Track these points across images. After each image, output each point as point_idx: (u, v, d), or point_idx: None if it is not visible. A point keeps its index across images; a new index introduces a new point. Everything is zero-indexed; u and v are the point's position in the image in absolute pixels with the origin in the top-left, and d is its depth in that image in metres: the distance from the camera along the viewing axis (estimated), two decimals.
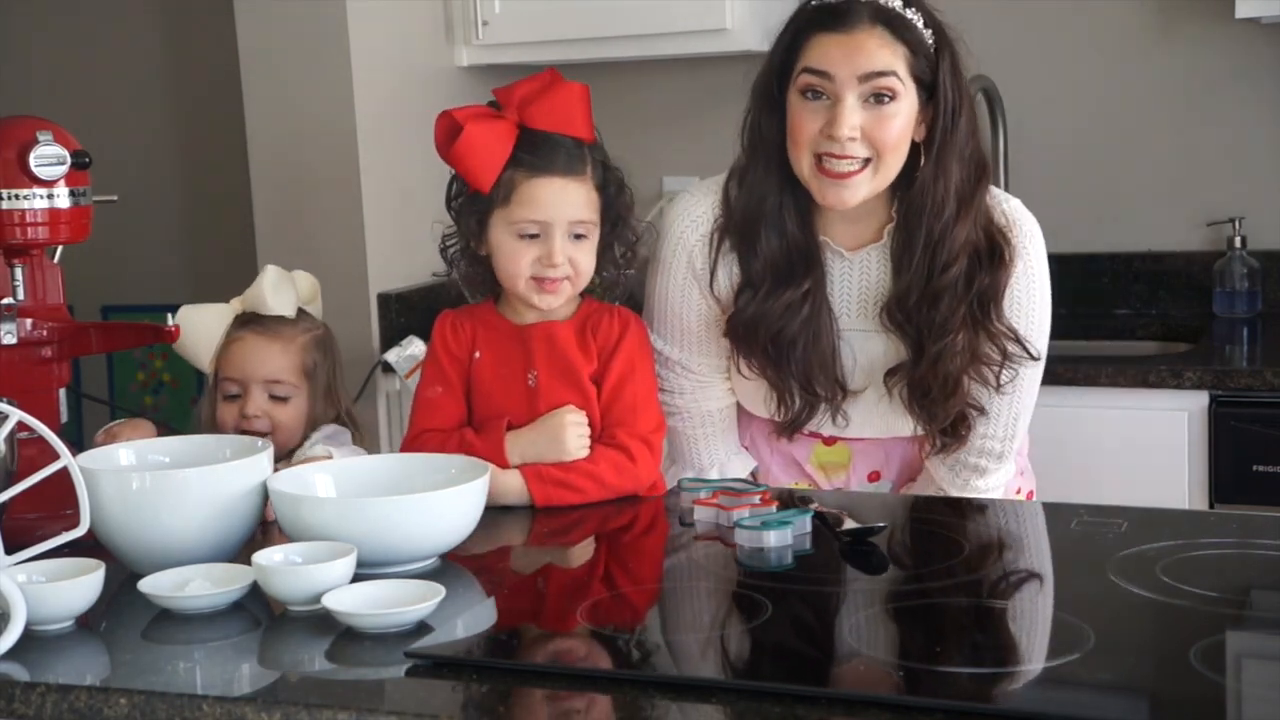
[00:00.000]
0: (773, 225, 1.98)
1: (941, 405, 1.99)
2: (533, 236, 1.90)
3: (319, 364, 2.13)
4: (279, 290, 2.11)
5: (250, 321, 2.11)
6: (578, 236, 1.91)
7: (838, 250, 2.02)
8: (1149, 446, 2.71)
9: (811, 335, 1.99)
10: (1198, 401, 2.66)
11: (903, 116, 1.91)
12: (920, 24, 1.91)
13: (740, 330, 2.01)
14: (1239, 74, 3.15)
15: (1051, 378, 2.69)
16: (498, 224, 1.92)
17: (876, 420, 2.06)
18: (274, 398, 2.09)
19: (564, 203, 1.89)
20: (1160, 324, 3.19)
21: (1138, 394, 2.70)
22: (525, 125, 1.90)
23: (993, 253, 1.96)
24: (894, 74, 1.89)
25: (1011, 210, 2.01)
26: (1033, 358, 2.01)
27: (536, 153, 1.89)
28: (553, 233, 1.90)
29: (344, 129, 3.16)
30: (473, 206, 1.94)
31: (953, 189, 1.94)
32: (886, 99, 1.90)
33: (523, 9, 3.29)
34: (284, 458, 2.05)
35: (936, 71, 1.92)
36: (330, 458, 1.91)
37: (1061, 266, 3.29)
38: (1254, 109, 3.16)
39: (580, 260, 1.92)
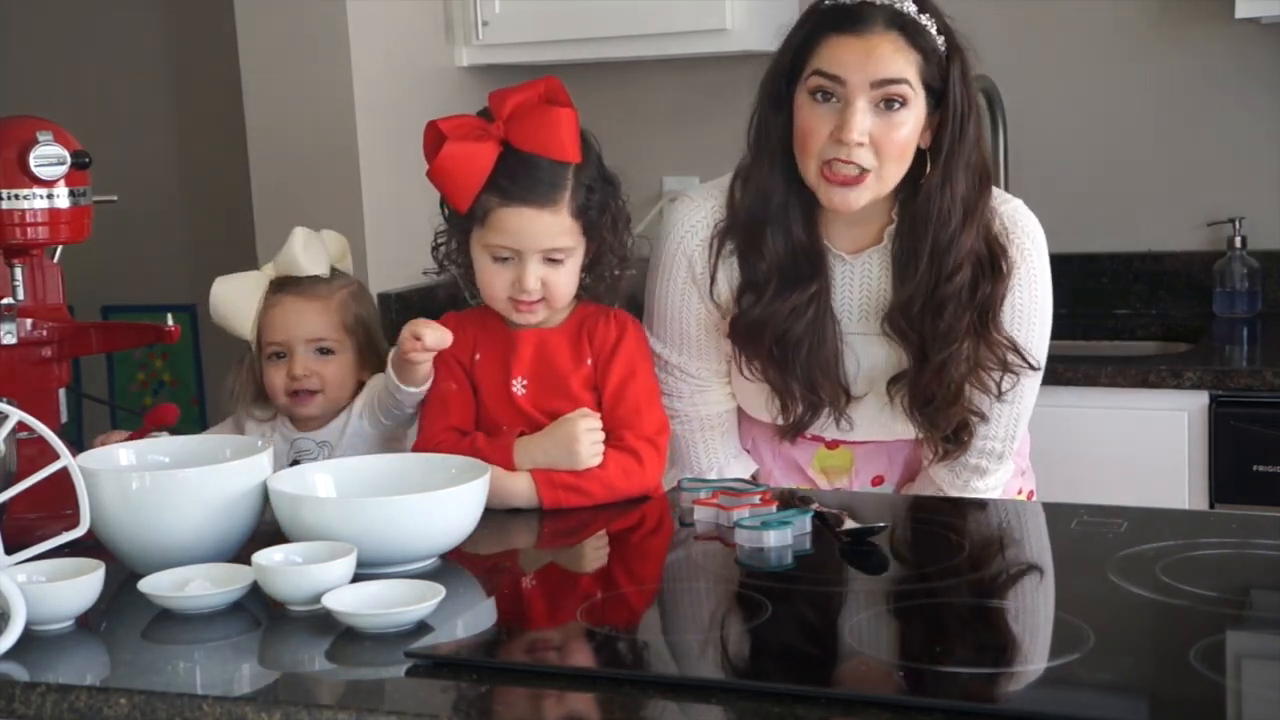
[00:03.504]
0: (779, 227, 1.97)
1: (944, 413, 1.99)
2: (506, 260, 1.91)
3: (358, 318, 2.14)
4: (309, 250, 2.11)
5: (286, 285, 2.11)
6: (553, 260, 1.91)
7: (839, 254, 2.02)
8: (1149, 446, 2.70)
9: (816, 339, 1.98)
10: (1198, 401, 2.66)
11: (911, 125, 1.90)
12: (933, 29, 1.90)
13: (745, 332, 2.00)
14: (1239, 74, 3.15)
15: (1051, 378, 2.69)
16: (475, 243, 1.94)
17: (878, 425, 2.06)
18: (320, 353, 2.09)
19: (536, 233, 1.89)
20: (1160, 324, 3.19)
21: (1138, 394, 2.70)
22: (509, 143, 1.89)
23: (993, 263, 1.96)
24: (906, 82, 1.88)
25: (1012, 213, 2.00)
26: (1032, 368, 2.00)
27: (513, 179, 1.88)
28: (525, 259, 1.90)
29: (344, 129, 3.16)
30: (457, 221, 1.96)
31: (959, 197, 1.93)
32: (897, 105, 1.88)
33: (523, 9, 3.29)
34: (334, 415, 2.10)
35: (947, 78, 1.91)
36: None
37: (1061, 266, 3.27)
38: (1254, 109, 3.16)
39: (556, 282, 1.92)
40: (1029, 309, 2.00)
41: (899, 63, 1.88)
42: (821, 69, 1.89)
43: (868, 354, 2.03)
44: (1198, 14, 3.15)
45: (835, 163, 1.89)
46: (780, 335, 1.98)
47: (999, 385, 1.99)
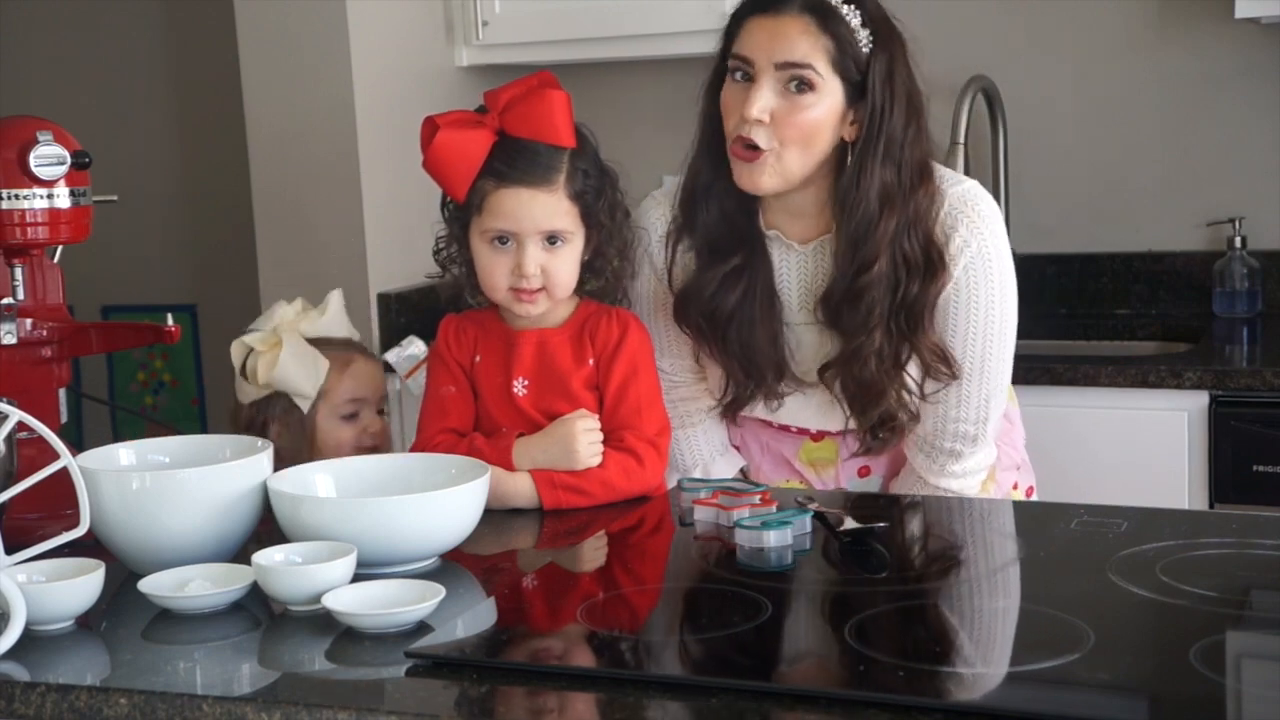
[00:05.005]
0: (713, 200, 2.01)
1: (870, 406, 2.00)
2: (505, 245, 1.91)
3: None
4: (345, 314, 2.37)
5: (342, 346, 2.34)
6: (552, 246, 1.91)
7: (788, 243, 2.03)
8: (1149, 446, 2.70)
9: (747, 318, 2.00)
10: (1198, 401, 2.66)
11: (819, 110, 1.91)
12: (857, 22, 1.91)
13: (678, 305, 2.04)
14: (1239, 74, 3.15)
15: (1051, 377, 2.71)
16: (475, 233, 1.93)
17: (813, 411, 2.07)
18: (379, 412, 2.38)
19: (533, 213, 1.89)
20: (1160, 324, 3.19)
21: (1138, 394, 2.70)
22: (505, 131, 1.90)
23: (927, 266, 1.95)
24: (811, 67, 1.90)
25: (963, 193, 1.98)
26: (953, 377, 1.99)
27: (509, 162, 1.89)
28: (524, 243, 1.90)
29: (344, 129, 3.16)
30: (456, 214, 1.96)
31: (874, 191, 1.93)
32: (804, 88, 1.90)
33: (523, 9, 3.30)
34: None
35: (867, 72, 1.92)
36: None
37: (1061, 266, 3.32)
38: (1254, 109, 3.16)
39: (555, 269, 1.92)
40: (982, 289, 1.97)
41: (804, 46, 1.90)
42: (736, 51, 1.94)
43: (809, 341, 2.04)
44: (1198, 14, 3.15)
45: (738, 141, 1.93)
46: (711, 310, 2.00)
47: (921, 386, 2.00)
